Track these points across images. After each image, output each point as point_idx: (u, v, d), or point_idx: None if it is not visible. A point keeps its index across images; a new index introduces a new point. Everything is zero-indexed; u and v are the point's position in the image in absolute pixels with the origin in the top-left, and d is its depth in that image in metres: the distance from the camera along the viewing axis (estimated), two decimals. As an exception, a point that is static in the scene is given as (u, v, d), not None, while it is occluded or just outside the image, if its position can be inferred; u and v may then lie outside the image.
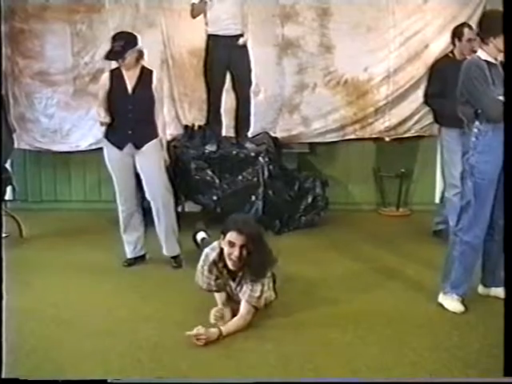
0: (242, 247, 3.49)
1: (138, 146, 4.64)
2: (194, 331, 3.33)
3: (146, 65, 4.67)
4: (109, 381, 2.58)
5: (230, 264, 3.57)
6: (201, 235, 4.86)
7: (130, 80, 4.60)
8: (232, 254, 3.51)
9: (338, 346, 3.37)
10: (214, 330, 3.40)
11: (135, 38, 4.59)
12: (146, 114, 4.64)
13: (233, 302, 3.76)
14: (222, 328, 3.44)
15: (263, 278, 3.59)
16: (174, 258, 4.85)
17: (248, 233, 3.51)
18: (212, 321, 3.58)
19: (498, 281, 3.89)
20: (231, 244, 3.51)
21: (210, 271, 3.68)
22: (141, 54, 4.60)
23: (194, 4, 5.62)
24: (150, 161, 4.68)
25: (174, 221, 4.83)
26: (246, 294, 3.58)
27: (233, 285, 3.70)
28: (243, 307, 3.60)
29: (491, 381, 2.89)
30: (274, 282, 3.78)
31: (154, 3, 6.46)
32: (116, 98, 4.62)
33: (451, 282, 3.85)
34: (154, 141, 4.68)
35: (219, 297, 3.78)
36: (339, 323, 3.67)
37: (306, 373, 3.06)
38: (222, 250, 3.60)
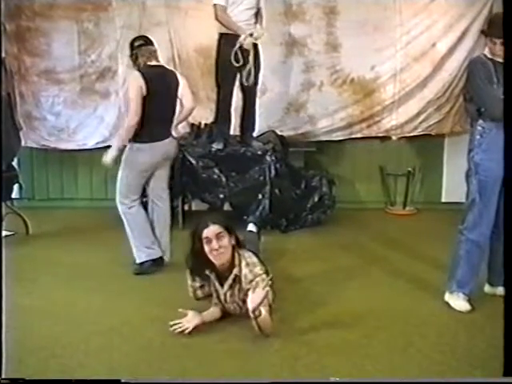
0: (217, 236, 3.47)
1: None
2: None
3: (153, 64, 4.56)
4: (122, 381, 2.58)
5: (216, 261, 3.51)
6: (250, 227, 4.80)
7: None
8: (213, 249, 3.47)
9: (343, 345, 3.36)
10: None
11: (131, 43, 4.62)
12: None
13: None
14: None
15: None
16: None
17: (214, 221, 3.52)
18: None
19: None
20: (208, 240, 3.47)
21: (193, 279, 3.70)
22: (135, 56, 4.55)
23: (216, 5, 5.52)
24: None
25: (134, 238, 4.69)
26: (258, 284, 3.38)
27: (221, 291, 3.62)
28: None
29: (491, 381, 2.88)
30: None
31: (160, 1, 6.46)
32: None
33: (457, 280, 3.84)
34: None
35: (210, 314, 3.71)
36: (345, 322, 3.66)
37: (313, 373, 3.06)
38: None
